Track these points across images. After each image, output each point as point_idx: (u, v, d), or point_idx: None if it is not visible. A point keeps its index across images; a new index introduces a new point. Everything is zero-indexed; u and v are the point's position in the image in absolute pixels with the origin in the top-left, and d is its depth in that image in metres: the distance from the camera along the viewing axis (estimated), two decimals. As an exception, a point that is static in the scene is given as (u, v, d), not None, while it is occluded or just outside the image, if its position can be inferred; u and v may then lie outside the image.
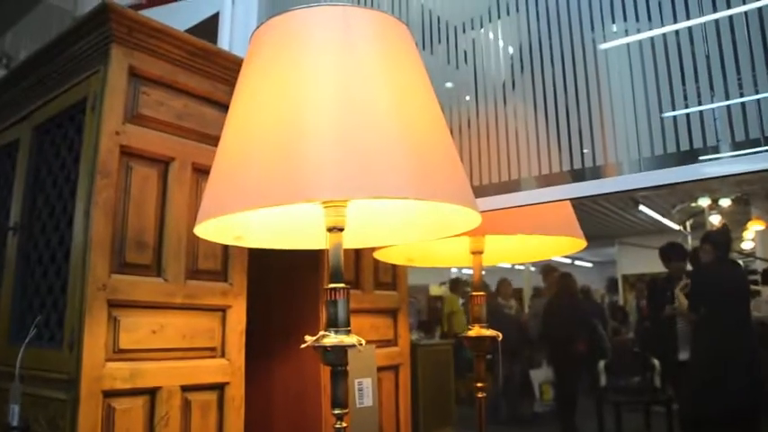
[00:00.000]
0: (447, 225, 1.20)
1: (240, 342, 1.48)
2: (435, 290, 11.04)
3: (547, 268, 6.63)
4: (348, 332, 1.07)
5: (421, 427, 4.31)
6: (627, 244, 12.79)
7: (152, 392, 1.33)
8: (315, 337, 1.08)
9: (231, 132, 1.07)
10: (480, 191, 1.43)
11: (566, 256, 14.69)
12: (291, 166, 0.94)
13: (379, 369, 1.81)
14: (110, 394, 1.27)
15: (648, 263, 10.48)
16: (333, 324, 1.07)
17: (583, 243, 1.44)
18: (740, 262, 8.18)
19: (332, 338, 1.06)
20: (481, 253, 1.48)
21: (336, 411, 1.08)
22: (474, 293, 1.47)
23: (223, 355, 1.46)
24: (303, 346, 1.09)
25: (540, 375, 6.95)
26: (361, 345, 1.07)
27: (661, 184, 1.25)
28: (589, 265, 15.09)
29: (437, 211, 1.19)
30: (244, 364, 1.49)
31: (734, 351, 3.77)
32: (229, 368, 1.46)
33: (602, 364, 6.10)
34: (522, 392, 6.95)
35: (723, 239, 4.21)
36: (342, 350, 1.06)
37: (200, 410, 1.41)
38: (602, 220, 11.09)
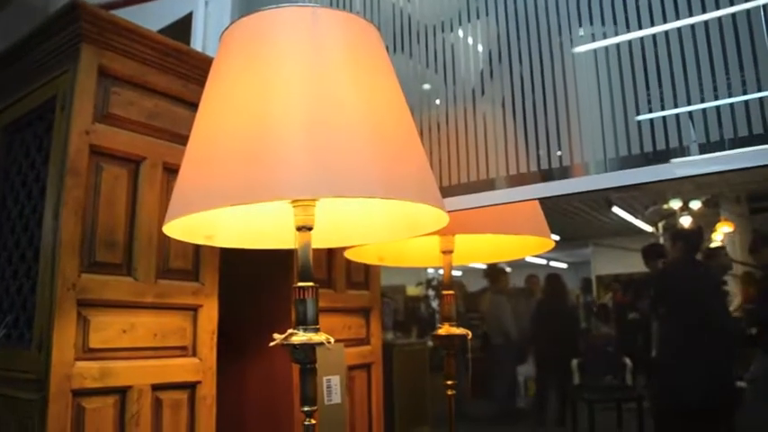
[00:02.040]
0: (415, 225, 1.22)
1: (212, 341, 1.49)
2: (412, 290, 11.08)
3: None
4: (317, 330, 1.08)
5: (396, 426, 4.33)
6: (601, 245, 12.92)
7: (122, 391, 1.33)
8: (283, 336, 1.10)
9: (200, 131, 1.07)
10: (451, 191, 1.45)
11: (541, 257, 14.82)
12: (259, 164, 0.95)
13: (352, 368, 1.83)
14: (79, 393, 1.26)
15: (622, 263, 10.63)
16: (301, 322, 1.08)
17: (551, 243, 1.47)
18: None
19: (300, 336, 1.07)
20: (451, 252, 1.50)
21: (305, 408, 1.09)
22: (444, 292, 1.49)
23: (194, 354, 1.46)
24: (272, 344, 1.10)
25: (526, 371, 7.03)
26: (329, 342, 1.08)
27: (628, 183, 1.28)
28: (564, 265, 15.23)
29: (405, 210, 1.20)
30: (215, 363, 1.49)
31: (699, 349, 3.84)
32: (201, 367, 1.46)
33: (575, 362, 6.18)
34: (509, 388, 7.04)
35: (694, 239, 4.27)
36: (310, 348, 1.07)
37: (171, 409, 1.41)
38: (577, 222, 11.20)
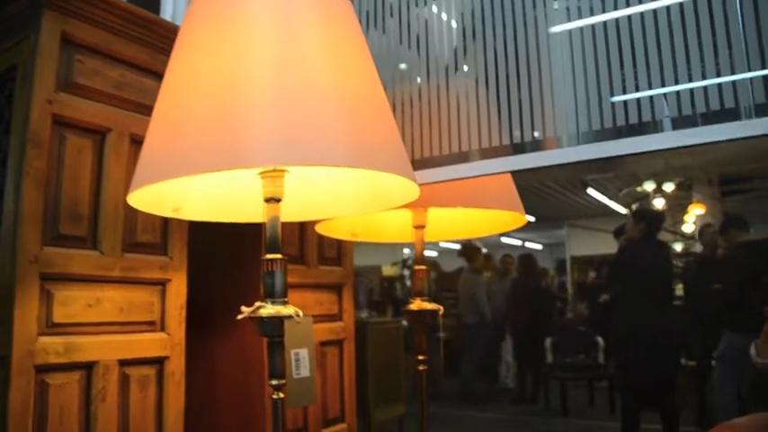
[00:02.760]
0: (386, 197, 1.20)
1: (180, 316, 1.47)
2: (388, 270, 11.12)
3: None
4: (285, 303, 1.07)
5: (371, 402, 4.35)
6: (576, 226, 13.06)
7: (88, 367, 1.31)
8: (251, 309, 1.08)
9: (166, 99, 1.04)
10: (423, 163, 1.43)
11: (516, 238, 14.93)
12: (227, 132, 0.93)
13: (324, 344, 1.82)
14: (43, 369, 1.24)
15: (596, 245, 10.76)
16: (269, 295, 1.07)
17: (523, 218, 1.47)
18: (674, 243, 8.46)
19: (268, 309, 1.06)
20: (423, 228, 1.50)
21: (273, 382, 1.08)
22: (417, 267, 1.49)
23: (162, 330, 1.44)
24: (239, 317, 1.09)
25: (502, 350, 7.12)
26: (298, 316, 1.07)
27: (601, 156, 1.27)
28: (539, 246, 15.37)
29: (376, 183, 1.19)
30: (184, 339, 1.47)
31: (656, 328, 3.95)
32: (169, 342, 1.44)
33: (548, 341, 6.25)
34: (483, 367, 7.13)
35: (656, 218, 4.32)
36: (278, 321, 1.06)
37: (139, 385, 1.39)
38: (552, 203, 11.29)
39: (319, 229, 1.50)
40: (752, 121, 1.09)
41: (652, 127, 1.20)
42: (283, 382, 1.07)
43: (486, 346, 6.82)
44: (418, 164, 1.37)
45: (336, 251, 1.91)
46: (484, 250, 7.36)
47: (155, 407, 1.42)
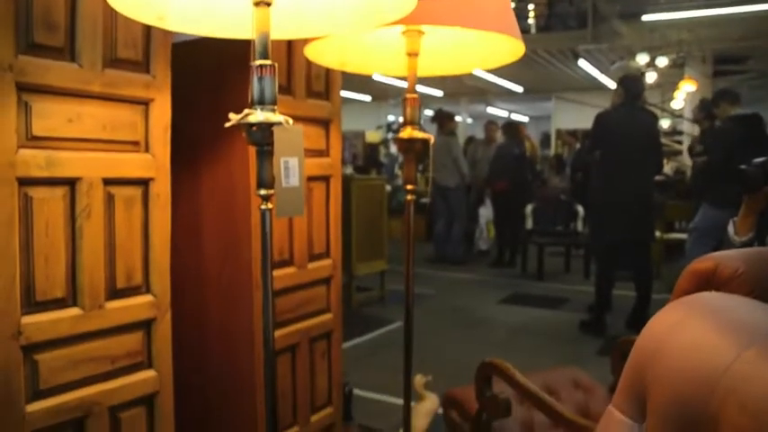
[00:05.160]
0: (380, 12, 1.14)
1: (165, 138, 1.43)
2: (371, 136, 11.07)
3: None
4: (274, 111, 1.04)
5: (354, 258, 4.46)
6: (563, 99, 12.94)
7: (71, 183, 1.28)
8: (240, 116, 1.05)
9: None
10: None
11: (503, 109, 14.79)
12: None
13: (311, 179, 1.81)
14: (25, 182, 1.21)
15: (582, 119, 10.69)
16: (259, 102, 1.03)
17: (521, 47, 1.41)
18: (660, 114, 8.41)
19: (257, 116, 1.03)
20: (416, 55, 1.44)
21: (262, 192, 1.07)
22: (408, 96, 1.45)
23: (147, 150, 1.41)
24: (227, 124, 1.06)
25: (487, 214, 7.25)
26: (287, 123, 1.04)
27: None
28: (525, 119, 15.31)
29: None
30: (169, 162, 1.45)
31: (631, 192, 4.01)
32: (154, 164, 1.41)
33: (529, 208, 6.35)
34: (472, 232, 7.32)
35: (635, 85, 4.25)
36: (267, 128, 1.03)
37: (124, 205, 1.37)
38: (542, 74, 11.11)
39: (308, 52, 1.44)
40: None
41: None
42: (272, 192, 1.05)
43: (468, 209, 6.93)
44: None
45: (324, 85, 1.85)
46: (459, 118, 7.31)
47: (141, 228, 1.42)
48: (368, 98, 13.69)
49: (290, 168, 1.03)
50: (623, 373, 0.74)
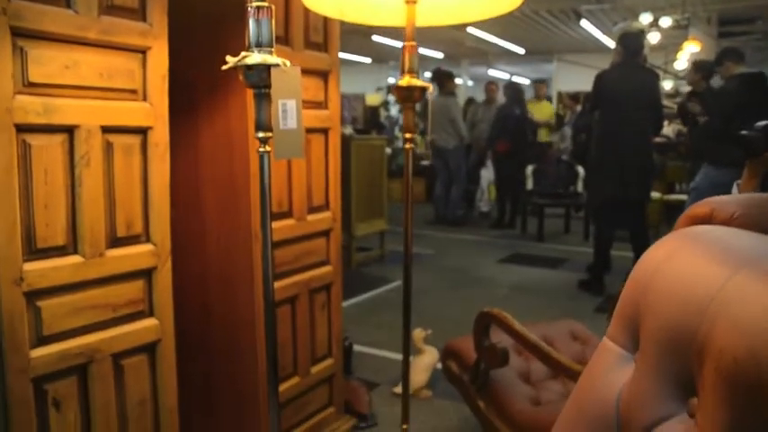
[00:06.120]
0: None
1: (162, 87, 1.42)
2: (371, 99, 10.99)
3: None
4: (271, 52, 1.03)
5: (353, 217, 4.47)
6: (565, 61, 12.80)
7: (70, 130, 1.28)
8: (237, 58, 1.04)
9: None
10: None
11: (504, 71, 14.63)
12: None
13: (309, 131, 1.81)
14: (24, 129, 1.21)
15: (583, 81, 10.59)
16: (256, 44, 1.03)
17: (519, -3, 1.39)
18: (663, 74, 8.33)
19: (254, 58, 1.02)
20: (414, 2, 1.42)
21: (260, 135, 1.07)
22: (407, 44, 1.44)
23: (145, 99, 1.40)
24: (225, 67, 1.05)
25: (489, 175, 7.24)
26: (285, 65, 1.04)
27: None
28: (527, 81, 15.17)
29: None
30: (167, 112, 1.44)
31: (629, 150, 3.98)
32: (152, 112, 1.41)
33: (530, 169, 6.33)
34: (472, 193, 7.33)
35: (634, 42, 4.20)
36: (264, 69, 1.02)
37: (123, 153, 1.37)
38: (544, 35, 10.97)
39: (306, 1, 1.42)
40: None
41: None
42: (270, 134, 1.06)
43: (468, 170, 6.92)
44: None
45: (323, 36, 1.83)
46: (459, 80, 7.25)
47: (140, 177, 1.42)
48: (368, 60, 13.56)
49: (288, 110, 1.03)
50: (617, 304, 0.75)
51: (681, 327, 0.62)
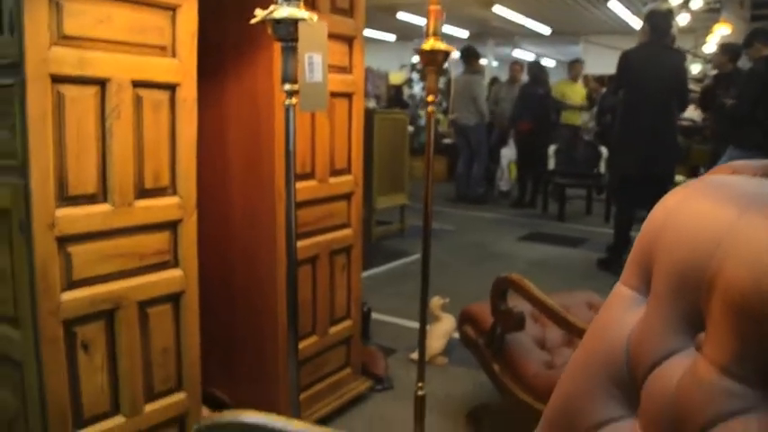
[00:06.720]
0: None
1: (192, 44, 1.45)
2: (395, 78, 10.95)
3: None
4: (299, 6, 1.05)
5: (375, 191, 4.49)
6: (592, 43, 12.64)
7: (102, 83, 1.32)
8: (266, 12, 1.07)
9: None
10: None
11: (531, 52, 14.49)
12: None
13: (334, 95, 1.83)
14: (58, 80, 1.25)
15: (610, 64, 10.46)
16: (284, -3, 1.05)
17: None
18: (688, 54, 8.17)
19: (282, 11, 1.05)
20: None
21: (287, 87, 1.09)
22: (431, 7, 1.45)
23: (174, 56, 1.43)
24: (253, 20, 1.08)
25: (509, 154, 7.21)
26: (311, 19, 1.06)
27: None
28: (553, 63, 15.01)
29: None
30: (196, 68, 1.47)
31: (650, 128, 3.93)
32: (181, 69, 1.44)
33: (552, 148, 6.30)
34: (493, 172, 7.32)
35: (662, 21, 4.12)
36: (292, 23, 1.05)
37: (152, 107, 1.41)
38: (571, 15, 10.83)
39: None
40: None
41: None
42: (296, 87, 1.08)
43: (489, 149, 6.90)
44: None
45: (349, 2, 1.85)
46: (484, 61, 7.18)
47: (168, 132, 1.45)
48: (392, 37, 13.46)
49: (314, 64, 1.05)
50: (632, 249, 0.77)
51: (691, 265, 0.64)
